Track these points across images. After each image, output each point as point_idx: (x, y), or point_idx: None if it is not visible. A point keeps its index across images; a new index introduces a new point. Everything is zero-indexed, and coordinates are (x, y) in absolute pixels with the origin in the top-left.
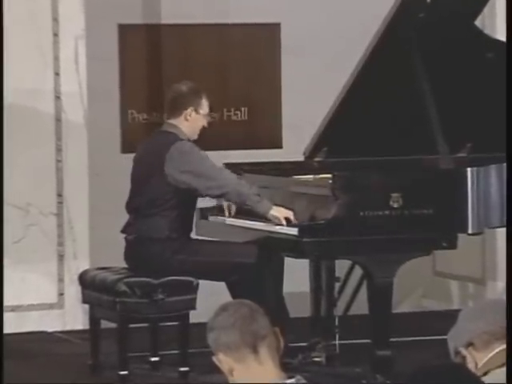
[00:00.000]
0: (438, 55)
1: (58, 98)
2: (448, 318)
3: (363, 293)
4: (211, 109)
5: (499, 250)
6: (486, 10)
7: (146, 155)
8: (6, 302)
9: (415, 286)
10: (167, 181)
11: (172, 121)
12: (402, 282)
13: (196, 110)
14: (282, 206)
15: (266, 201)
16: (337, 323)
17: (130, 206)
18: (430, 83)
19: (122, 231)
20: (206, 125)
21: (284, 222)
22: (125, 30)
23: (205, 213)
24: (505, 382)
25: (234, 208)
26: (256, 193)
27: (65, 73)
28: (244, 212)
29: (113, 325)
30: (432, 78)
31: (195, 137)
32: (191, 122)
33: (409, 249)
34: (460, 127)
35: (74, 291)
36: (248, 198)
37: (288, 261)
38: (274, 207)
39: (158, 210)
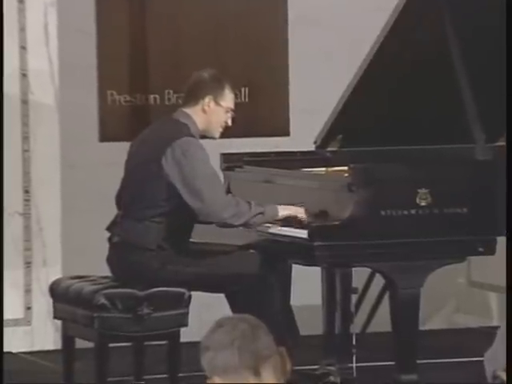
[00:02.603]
0: (474, 23)
1: (24, 76)
2: (485, 336)
3: (385, 306)
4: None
5: None
6: None
7: (146, 143)
8: None
9: (447, 298)
10: (165, 178)
11: (186, 109)
12: (431, 293)
13: (216, 101)
14: (289, 204)
15: (269, 207)
16: (354, 342)
17: (120, 200)
18: (463, 59)
19: (108, 229)
20: (229, 122)
21: (304, 216)
22: None
23: None
24: None
25: None
26: (257, 211)
27: (32, 46)
28: None
29: (90, 344)
30: (466, 53)
31: (216, 135)
32: (210, 114)
33: (439, 254)
34: (499, 111)
35: (43, 304)
36: (249, 221)
37: (296, 269)
38: (281, 207)
39: (150, 214)
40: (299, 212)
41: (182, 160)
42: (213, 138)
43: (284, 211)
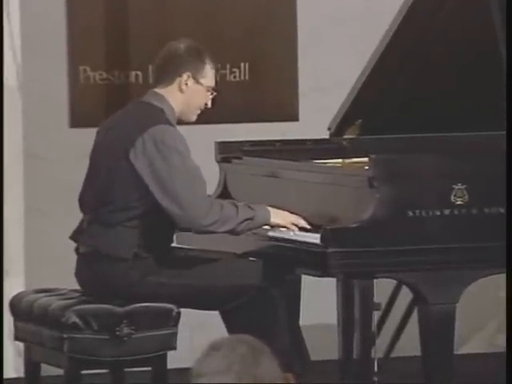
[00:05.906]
0: None
1: None
2: None
3: (413, 325)
4: (216, 80)
5: None
6: None
7: (113, 132)
8: None
9: (487, 316)
10: (136, 175)
11: (160, 90)
12: (468, 310)
13: (195, 78)
14: (297, 203)
15: (260, 212)
16: (376, 368)
17: (85, 202)
18: (505, 29)
19: (72, 238)
20: (209, 104)
21: (294, 228)
22: None
23: None
24: None
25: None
26: (246, 217)
27: None
28: None
29: (59, 371)
30: (508, 25)
31: (193, 118)
32: (187, 94)
33: (478, 263)
34: None
35: (3, 323)
36: (235, 228)
37: (306, 280)
38: (273, 211)
39: (122, 218)
40: (296, 222)
41: (153, 153)
42: (189, 122)
43: (277, 218)
